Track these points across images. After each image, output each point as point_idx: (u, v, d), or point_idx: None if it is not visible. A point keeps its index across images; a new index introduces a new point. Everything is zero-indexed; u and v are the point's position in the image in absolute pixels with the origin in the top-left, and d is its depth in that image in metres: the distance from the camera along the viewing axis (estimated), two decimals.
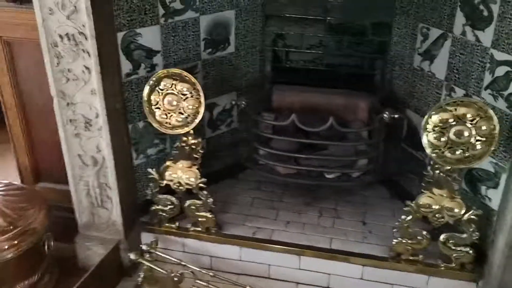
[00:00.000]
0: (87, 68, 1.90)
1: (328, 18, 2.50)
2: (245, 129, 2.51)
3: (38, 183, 2.51)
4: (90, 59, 1.88)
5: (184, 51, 2.27)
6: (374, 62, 2.49)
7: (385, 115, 2.13)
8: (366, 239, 2.31)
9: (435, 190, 2.04)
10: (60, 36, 1.86)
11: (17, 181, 2.50)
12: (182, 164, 2.21)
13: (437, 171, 2.01)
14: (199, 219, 2.28)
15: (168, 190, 2.29)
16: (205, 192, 2.22)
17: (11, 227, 2.00)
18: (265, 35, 2.56)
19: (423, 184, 2.07)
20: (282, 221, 2.42)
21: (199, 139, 2.19)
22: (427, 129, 1.88)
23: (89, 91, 1.95)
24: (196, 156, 2.21)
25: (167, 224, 2.32)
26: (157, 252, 2.20)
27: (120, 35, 2.02)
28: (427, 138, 1.89)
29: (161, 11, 2.11)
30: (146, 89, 2.05)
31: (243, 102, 2.26)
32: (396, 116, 2.13)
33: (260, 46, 2.57)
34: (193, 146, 2.19)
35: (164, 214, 2.30)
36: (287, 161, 2.34)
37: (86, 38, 1.84)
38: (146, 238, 2.35)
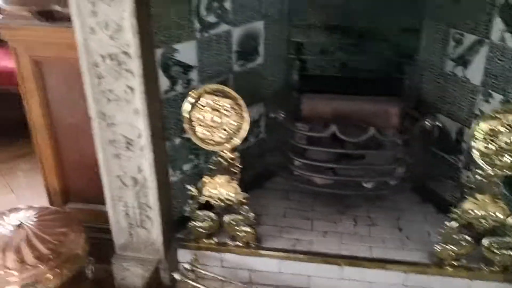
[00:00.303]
0: (130, 88, 1.85)
1: (355, 24, 2.49)
2: (277, 140, 2.49)
3: (67, 204, 2.44)
4: (133, 79, 1.83)
5: (217, 64, 2.23)
6: (403, 67, 2.48)
7: (427, 123, 2.14)
8: (404, 245, 2.31)
9: (478, 196, 2.06)
10: (102, 56, 1.81)
11: (45, 203, 2.43)
12: (220, 179, 2.17)
13: (478, 176, 2.02)
14: (239, 233, 2.25)
15: (203, 205, 2.25)
16: (246, 206, 2.19)
17: (54, 255, 1.94)
18: (291, 44, 2.54)
19: (465, 190, 2.08)
20: (318, 231, 2.40)
21: (237, 153, 2.16)
22: (476, 137, 1.89)
23: (132, 111, 1.90)
24: (234, 170, 2.18)
25: (205, 240, 2.29)
26: (200, 270, 2.17)
27: (158, 51, 1.97)
28: (476, 146, 1.90)
29: (197, 26, 2.07)
30: (187, 106, 2.01)
31: (281, 114, 2.24)
32: (438, 124, 2.14)
33: (286, 55, 2.54)
34: (231, 161, 2.16)
35: (202, 230, 2.26)
36: (324, 171, 2.33)
37: (130, 58, 1.79)
38: (183, 255, 2.31)
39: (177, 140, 2.18)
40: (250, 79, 2.42)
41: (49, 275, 1.91)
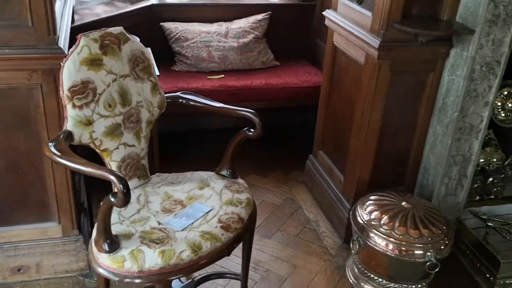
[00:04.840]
0: (489, 86, 2.64)
1: None
2: None
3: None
4: (494, 80, 2.64)
5: None
6: None
7: None
8: None
9: None
10: (480, 65, 2.58)
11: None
12: None
13: None
14: None
15: None
16: None
17: None
18: None
19: None
20: None
21: None
22: None
23: (482, 104, 2.68)
24: None
25: None
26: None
27: None
28: None
29: None
30: None
31: None
32: None
33: None
34: None
35: None
36: None
37: (499, 64, 2.60)
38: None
39: None
40: None
41: None
